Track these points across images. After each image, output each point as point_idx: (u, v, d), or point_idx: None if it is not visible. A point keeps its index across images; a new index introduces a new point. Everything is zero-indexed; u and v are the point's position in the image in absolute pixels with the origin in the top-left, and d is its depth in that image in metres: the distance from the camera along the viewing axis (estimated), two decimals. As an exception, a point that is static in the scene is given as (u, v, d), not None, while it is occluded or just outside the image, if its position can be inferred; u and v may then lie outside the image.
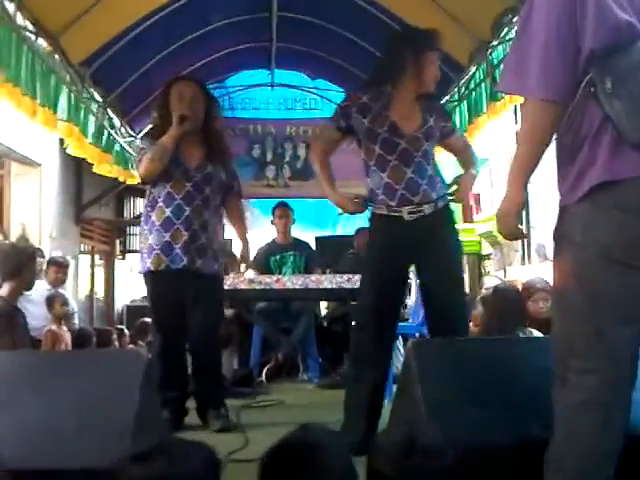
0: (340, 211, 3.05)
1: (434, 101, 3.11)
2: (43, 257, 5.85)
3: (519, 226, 1.72)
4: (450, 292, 2.91)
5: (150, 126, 3.82)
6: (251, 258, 3.97)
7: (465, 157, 3.20)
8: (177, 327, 3.42)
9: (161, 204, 3.37)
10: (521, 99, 4.67)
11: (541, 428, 1.69)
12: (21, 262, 3.59)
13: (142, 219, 3.51)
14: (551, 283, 1.76)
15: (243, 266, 3.76)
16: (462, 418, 1.80)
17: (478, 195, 9.21)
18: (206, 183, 3.41)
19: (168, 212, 3.35)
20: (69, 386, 1.87)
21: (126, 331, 7.27)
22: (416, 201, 2.89)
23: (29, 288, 3.79)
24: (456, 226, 3.09)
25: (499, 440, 1.75)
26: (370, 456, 1.47)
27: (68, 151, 5.46)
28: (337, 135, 3.09)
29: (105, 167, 6.02)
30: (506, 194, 1.70)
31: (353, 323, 3.27)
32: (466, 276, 9.70)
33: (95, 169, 6.03)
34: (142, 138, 3.57)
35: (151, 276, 3.40)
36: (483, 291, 5.06)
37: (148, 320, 6.36)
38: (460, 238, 3.13)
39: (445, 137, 3.12)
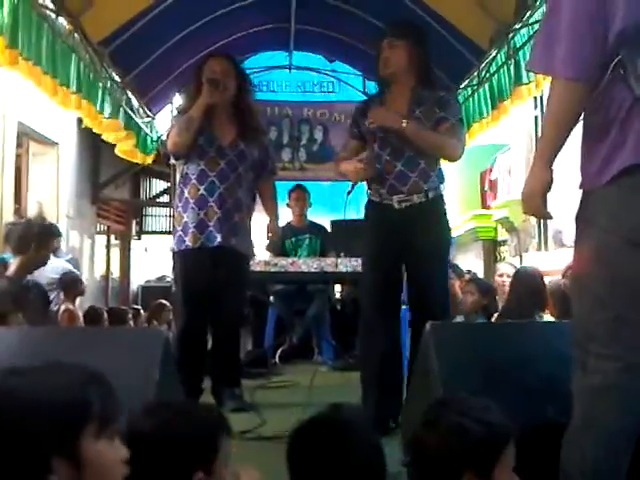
0: (350, 187, 3.14)
1: (429, 91, 3.10)
2: (60, 235, 5.88)
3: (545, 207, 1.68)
4: (430, 279, 3.05)
5: (181, 106, 3.79)
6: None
7: None
8: (203, 306, 3.43)
9: (194, 181, 3.38)
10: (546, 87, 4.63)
11: (558, 412, 1.69)
12: (30, 238, 3.54)
13: (176, 197, 3.52)
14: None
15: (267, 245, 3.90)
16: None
17: (495, 181, 9.16)
18: (240, 161, 3.41)
19: (202, 190, 3.36)
20: (89, 363, 1.88)
21: (142, 311, 7.34)
22: (405, 191, 3.04)
23: (41, 265, 3.76)
24: (446, 217, 3.19)
25: (516, 424, 1.75)
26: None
27: (102, 138, 5.50)
28: (353, 143, 3.24)
29: (123, 148, 6.05)
30: (531, 173, 1.67)
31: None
32: (481, 262, 9.69)
33: (118, 151, 6.06)
34: (173, 118, 3.60)
35: (188, 253, 3.39)
36: (496, 278, 5.08)
37: (165, 302, 6.43)
38: (449, 231, 3.28)
39: (436, 125, 3.07)
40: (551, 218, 1.77)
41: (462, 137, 3.22)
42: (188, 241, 3.37)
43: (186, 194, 3.41)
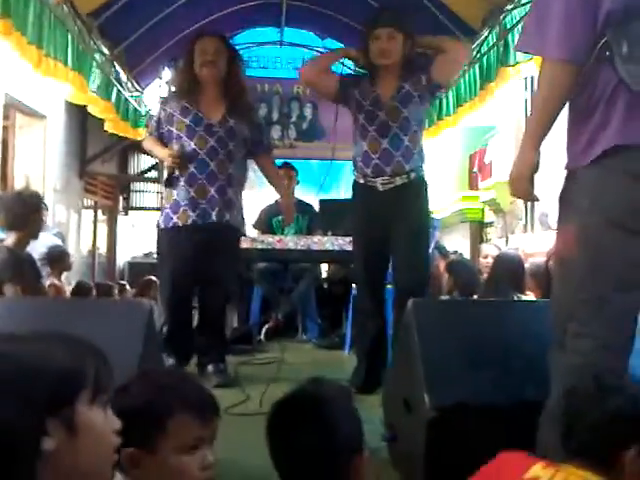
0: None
1: (414, 65, 3.29)
2: (47, 209, 5.85)
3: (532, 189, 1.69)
4: (412, 258, 3.20)
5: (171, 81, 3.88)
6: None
7: None
8: (189, 281, 3.47)
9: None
10: (530, 68, 4.63)
11: (536, 390, 1.71)
12: (27, 212, 3.55)
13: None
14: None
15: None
16: (459, 378, 1.82)
17: (490, 163, 9.18)
18: (229, 138, 3.44)
19: (192, 167, 3.38)
20: (74, 333, 1.88)
21: (128, 287, 7.33)
22: (388, 172, 3.19)
23: (35, 237, 3.78)
24: (427, 199, 3.33)
25: (495, 400, 1.77)
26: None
27: (76, 102, 5.44)
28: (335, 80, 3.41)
29: (111, 122, 5.99)
30: (519, 156, 1.68)
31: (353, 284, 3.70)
32: (468, 243, 9.75)
33: (107, 127, 6.01)
34: (163, 101, 3.67)
35: (175, 231, 3.41)
36: (480, 259, 5.12)
37: (153, 278, 6.42)
38: (429, 211, 3.44)
39: (427, 82, 3.27)
40: (538, 200, 1.78)
41: None
42: (176, 219, 3.40)
43: (177, 172, 3.42)
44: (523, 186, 1.68)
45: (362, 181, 3.29)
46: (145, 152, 10.63)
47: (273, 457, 1.37)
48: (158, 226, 3.53)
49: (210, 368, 3.48)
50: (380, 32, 3.21)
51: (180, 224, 3.38)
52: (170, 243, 3.46)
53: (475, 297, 4.07)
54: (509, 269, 3.77)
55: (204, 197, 3.36)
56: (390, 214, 3.19)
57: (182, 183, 3.39)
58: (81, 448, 1.03)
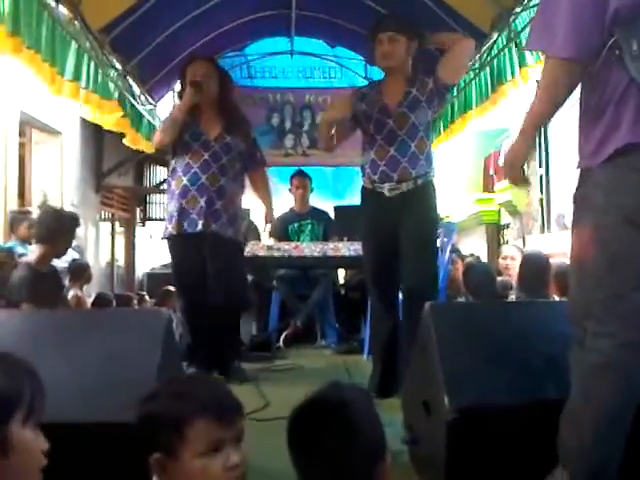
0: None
1: (418, 69, 3.33)
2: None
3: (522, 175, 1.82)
4: (420, 260, 3.19)
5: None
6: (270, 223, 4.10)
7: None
8: (197, 288, 3.62)
9: (180, 173, 3.61)
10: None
11: (557, 389, 1.71)
12: (57, 229, 3.56)
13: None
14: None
15: (268, 226, 4.05)
16: (478, 379, 1.82)
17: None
18: (224, 152, 3.62)
19: (185, 180, 3.57)
20: (93, 344, 1.91)
21: (147, 297, 7.37)
22: (395, 178, 3.22)
23: (59, 257, 3.83)
24: (434, 202, 3.34)
25: (515, 401, 1.77)
26: None
27: (88, 118, 5.48)
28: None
29: (127, 135, 6.05)
30: (514, 145, 1.77)
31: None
32: (485, 245, 9.70)
33: (126, 141, 6.06)
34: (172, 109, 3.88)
35: (172, 240, 3.64)
36: (500, 260, 5.10)
37: (171, 288, 6.46)
38: (436, 214, 3.46)
39: (434, 83, 3.28)
40: (530, 184, 1.87)
41: None
42: (171, 228, 3.60)
43: (172, 186, 3.64)
44: (514, 173, 1.79)
45: (370, 187, 3.32)
46: (160, 163, 10.76)
47: (295, 462, 1.37)
48: (162, 237, 3.75)
49: (228, 367, 3.63)
50: (382, 36, 3.24)
51: (175, 232, 3.57)
52: (172, 253, 3.70)
53: (513, 298, 4.04)
54: (537, 269, 3.76)
55: (194, 208, 3.54)
56: (397, 218, 3.22)
57: (176, 195, 3.58)
58: (11, 466, 1.08)
